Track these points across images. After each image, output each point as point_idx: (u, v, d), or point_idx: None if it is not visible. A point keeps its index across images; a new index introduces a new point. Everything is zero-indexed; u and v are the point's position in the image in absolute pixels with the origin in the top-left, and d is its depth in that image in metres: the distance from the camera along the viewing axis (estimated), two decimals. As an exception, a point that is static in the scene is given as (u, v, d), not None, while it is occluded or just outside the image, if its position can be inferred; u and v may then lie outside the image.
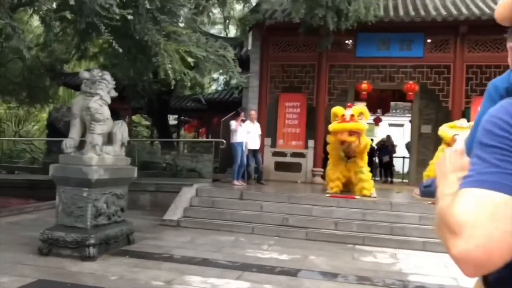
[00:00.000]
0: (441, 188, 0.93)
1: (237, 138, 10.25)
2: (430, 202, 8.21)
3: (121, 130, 6.49)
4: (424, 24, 11.56)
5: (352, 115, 8.94)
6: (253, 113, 11.05)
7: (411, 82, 12.26)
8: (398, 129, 29.66)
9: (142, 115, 24.57)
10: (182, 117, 24.83)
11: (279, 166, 12.90)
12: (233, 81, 9.92)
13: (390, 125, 28.89)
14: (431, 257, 6.80)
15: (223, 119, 15.32)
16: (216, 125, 17.90)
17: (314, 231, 7.73)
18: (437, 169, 1.01)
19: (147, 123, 25.42)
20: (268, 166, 12.68)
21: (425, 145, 14.90)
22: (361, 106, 9.40)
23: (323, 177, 12.62)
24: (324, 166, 13.26)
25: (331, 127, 9.01)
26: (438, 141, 15.09)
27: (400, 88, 14.17)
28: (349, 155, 9.44)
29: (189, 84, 10.72)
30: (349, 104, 9.36)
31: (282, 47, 12.89)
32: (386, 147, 16.20)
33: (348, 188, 9.80)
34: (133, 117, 22.10)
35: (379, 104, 18.49)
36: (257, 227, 7.94)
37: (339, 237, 7.59)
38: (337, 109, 9.18)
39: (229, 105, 17.46)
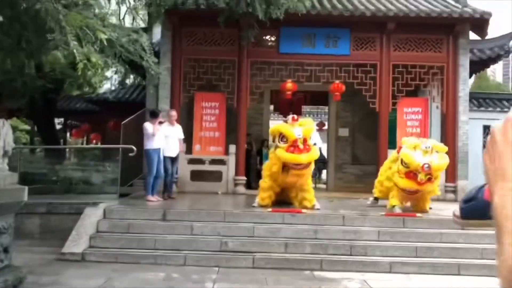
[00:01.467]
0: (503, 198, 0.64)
1: (154, 143, 8.45)
2: (383, 213, 7.30)
3: (2, 133, 4.48)
4: (351, 19, 10.78)
5: (305, 140, 7.63)
6: (174, 114, 9.31)
7: (337, 81, 11.43)
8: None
9: (20, 118, 21.07)
10: (69, 121, 21.81)
11: (196, 175, 11.25)
12: (152, 72, 8.06)
13: None
14: (407, 281, 5.76)
15: (124, 122, 13.21)
16: (113, 129, 15.60)
17: (262, 257, 6.30)
18: (488, 169, 0.70)
19: (27, 127, 21.94)
20: (183, 176, 10.97)
21: (343, 149, 14.32)
22: (309, 122, 8.10)
23: (247, 186, 11.31)
24: (248, 171, 11.98)
25: (280, 154, 7.47)
26: (356, 144, 14.69)
27: (316, 90, 13.41)
28: None
29: (91, 72, 8.66)
30: (293, 117, 7.92)
31: (198, 40, 11.29)
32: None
33: (282, 198, 8.53)
34: (9, 120, 18.71)
35: (290, 107, 17.69)
36: (190, 256, 6.29)
37: (292, 262, 6.26)
38: (284, 129, 7.63)
39: (128, 106, 15.29)
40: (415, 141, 7.77)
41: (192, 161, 11.19)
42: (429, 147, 7.44)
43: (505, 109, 14.50)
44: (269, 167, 8.11)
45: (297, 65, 11.39)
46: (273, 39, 11.37)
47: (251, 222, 7.02)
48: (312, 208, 7.80)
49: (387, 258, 6.37)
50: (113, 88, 20.86)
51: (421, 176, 7.20)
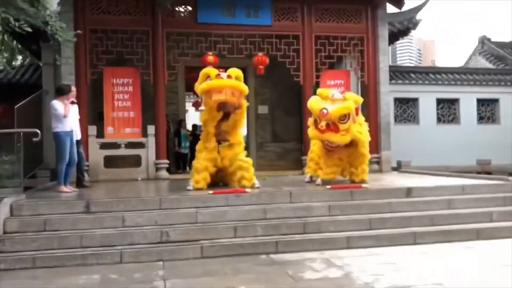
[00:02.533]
0: None
1: (65, 125, 7.20)
2: (329, 187, 6.93)
3: None
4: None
5: (229, 76, 7.06)
6: (74, 90, 7.94)
7: (260, 53, 10.84)
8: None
9: None
10: None
11: (111, 162, 10.07)
12: (60, 39, 6.75)
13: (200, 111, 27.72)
14: (369, 256, 5.41)
15: (17, 106, 11.43)
16: (2, 115, 13.55)
17: (211, 244, 5.55)
18: None
19: None
20: (95, 163, 9.74)
21: (263, 127, 13.89)
22: (236, 70, 7.47)
23: (169, 170, 10.38)
24: (169, 155, 11.01)
25: (205, 85, 7.02)
26: (276, 121, 14.30)
27: (231, 66, 12.73)
28: (222, 137, 7.49)
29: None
30: (221, 70, 7.37)
31: (104, 8, 9.96)
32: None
33: (219, 179, 7.84)
34: None
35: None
36: (126, 251, 5.34)
37: (245, 247, 5.60)
38: (209, 70, 7.42)
39: (19, 89, 13.36)
40: (323, 92, 7.45)
41: (105, 146, 9.97)
42: (334, 94, 7.17)
43: (413, 81, 15.12)
44: (203, 145, 7.34)
45: (218, 36, 10.60)
46: (190, 8, 10.42)
47: (192, 207, 6.20)
48: (253, 187, 7.20)
49: (342, 233, 5.98)
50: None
51: (321, 123, 6.93)
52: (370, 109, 11.07)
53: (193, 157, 14.81)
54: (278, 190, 6.86)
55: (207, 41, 10.51)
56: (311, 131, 7.28)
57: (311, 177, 8.41)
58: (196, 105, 19.32)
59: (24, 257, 5.12)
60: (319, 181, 7.83)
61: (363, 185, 7.09)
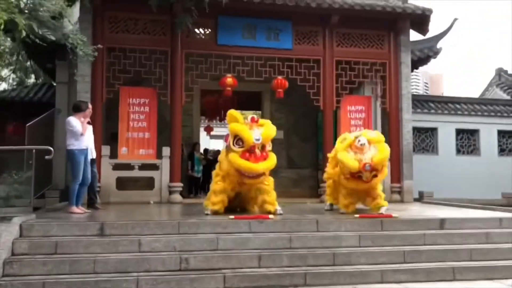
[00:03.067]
0: None
1: (81, 143, 6.89)
2: (357, 216, 6.51)
3: None
4: (293, 9, 9.99)
5: (263, 146, 6.70)
6: (91, 107, 7.63)
7: (280, 77, 10.59)
8: (219, 141, 28.28)
9: None
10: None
11: (123, 183, 9.72)
12: (81, 52, 6.51)
13: (212, 137, 27.25)
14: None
15: (29, 124, 11.21)
16: (13, 133, 13.30)
17: (233, 274, 5.13)
18: None
19: None
20: (107, 184, 9.39)
21: (278, 152, 13.40)
22: (267, 123, 7.04)
23: (181, 194, 10.00)
24: (184, 178, 10.66)
25: (233, 160, 6.55)
26: (291, 147, 13.95)
27: (247, 90, 12.52)
28: None
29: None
30: (253, 117, 6.92)
31: (123, 26, 9.81)
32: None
33: (238, 205, 7.44)
34: None
35: (217, 110, 16.59)
36: (143, 278, 4.92)
37: (271, 278, 5.16)
38: (240, 129, 6.61)
39: (32, 107, 13.16)
40: (347, 139, 7.10)
41: (118, 167, 9.64)
42: (364, 144, 6.80)
43: (432, 111, 14.78)
44: (224, 169, 6.96)
45: (237, 58, 10.38)
46: (210, 29, 10.24)
47: (212, 233, 5.80)
48: (275, 213, 6.79)
49: (374, 266, 5.54)
50: (10, 87, 18.15)
51: (366, 175, 6.70)
52: (391, 137, 10.69)
53: (205, 181, 14.68)
54: (303, 217, 6.44)
55: (226, 63, 10.29)
56: (350, 183, 6.97)
57: (331, 204, 8.01)
58: (208, 129, 19.11)
59: (33, 282, 4.72)
60: (327, 205, 7.79)
61: (394, 214, 6.65)
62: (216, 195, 6.85)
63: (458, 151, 15.10)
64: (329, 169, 7.96)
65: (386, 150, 6.82)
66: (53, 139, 11.30)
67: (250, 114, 10.31)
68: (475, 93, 24.99)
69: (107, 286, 4.79)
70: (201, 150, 14.51)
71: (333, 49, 10.69)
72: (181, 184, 9.99)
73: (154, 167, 9.81)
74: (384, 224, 6.31)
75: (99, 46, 7.66)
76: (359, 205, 7.47)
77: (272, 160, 6.78)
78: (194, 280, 5.00)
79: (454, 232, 6.31)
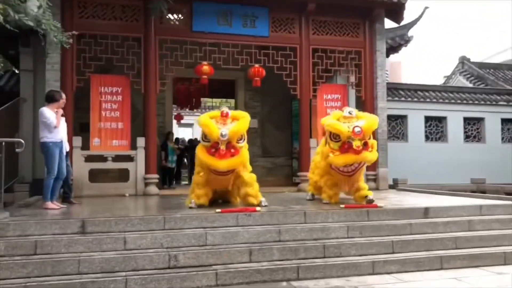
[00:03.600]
0: None
1: (55, 135, 6.53)
2: (343, 206, 6.49)
3: None
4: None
5: (229, 144, 6.41)
6: (64, 97, 7.21)
7: (256, 65, 10.42)
8: (188, 129, 27.89)
9: None
10: None
11: (96, 176, 9.36)
12: (55, 39, 6.13)
13: (180, 125, 26.81)
14: (397, 283, 4.97)
15: (-9, 114, 10.61)
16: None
17: (225, 270, 4.99)
18: None
19: None
20: (80, 177, 9.01)
21: (252, 141, 13.35)
22: (243, 118, 6.78)
23: (158, 185, 9.74)
24: (160, 169, 10.39)
25: (199, 154, 6.53)
26: (266, 136, 13.84)
27: (220, 78, 12.27)
28: None
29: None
30: (223, 111, 6.65)
31: (94, 11, 9.34)
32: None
33: (219, 196, 7.28)
34: None
35: (188, 99, 16.27)
36: (131, 278, 4.71)
37: (263, 273, 5.06)
38: (205, 124, 6.41)
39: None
40: (336, 113, 7.12)
41: (90, 158, 9.27)
42: (352, 112, 6.83)
43: (402, 98, 15.00)
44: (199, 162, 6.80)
45: (213, 46, 10.12)
46: (184, 15, 9.91)
47: (199, 228, 5.64)
48: (259, 205, 6.67)
49: (365, 257, 5.52)
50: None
51: (356, 143, 6.40)
52: (367, 125, 10.75)
53: (179, 171, 14.42)
54: (289, 209, 6.35)
55: (202, 51, 10.01)
56: (339, 158, 6.59)
57: (313, 195, 7.95)
58: (178, 118, 18.75)
59: (14, 286, 4.42)
60: (309, 195, 7.65)
61: (379, 204, 6.66)
62: (200, 187, 6.67)
63: (427, 138, 15.42)
64: (313, 164, 7.89)
65: (374, 118, 6.84)
66: (19, 129, 10.78)
67: (224, 105, 10.19)
68: (437, 82, 25.57)
69: (94, 287, 4.55)
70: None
71: (309, 37, 10.58)
72: (157, 176, 9.72)
73: (129, 158, 9.49)
74: (370, 214, 6.31)
75: (74, 32, 7.24)
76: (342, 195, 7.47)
77: (240, 158, 6.52)
78: (185, 278, 4.83)
79: (438, 220, 6.39)
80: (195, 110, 19.04)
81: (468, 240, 6.05)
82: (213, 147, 6.36)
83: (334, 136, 6.65)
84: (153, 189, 9.45)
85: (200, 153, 6.49)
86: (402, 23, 12.76)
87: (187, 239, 5.38)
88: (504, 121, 16.16)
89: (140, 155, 9.44)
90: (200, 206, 6.58)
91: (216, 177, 6.70)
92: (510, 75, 21.16)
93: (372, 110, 10.89)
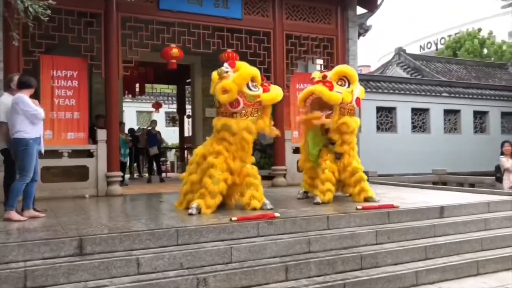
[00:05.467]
0: None
1: (38, 130, 5.38)
2: (360, 207, 5.98)
3: None
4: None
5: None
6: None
7: (229, 50, 9.52)
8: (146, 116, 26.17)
9: None
10: None
11: (50, 174, 7.96)
12: (31, 9, 4.82)
13: (139, 112, 25.00)
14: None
15: None
16: None
17: (265, 293, 4.22)
18: None
19: None
20: (28, 176, 7.57)
21: (211, 131, 12.42)
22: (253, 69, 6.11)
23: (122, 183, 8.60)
24: (123, 167, 9.17)
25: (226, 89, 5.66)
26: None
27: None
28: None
29: None
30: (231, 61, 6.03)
31: (44, -20, 7.84)
32: (153, 136, 12.83)
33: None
34: None
35: (132, 85, 14.88)
36: (160, 312, 3.77)
37: (307, 293, 4.35)
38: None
39: None
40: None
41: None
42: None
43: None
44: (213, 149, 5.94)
45: (182, 26, 9.04)
46: (150, -10, 8.73)
47: (218, 241, 4.77)
48: (263, 208, 5.94)
49: (402, 266, 5.03)
50: None
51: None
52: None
53: (139, 165, 13.30)
54: (313, 214, 5.64)
55: (170, 31, 8.90)
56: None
57: (305, 192, 7.35)
58: (156, 106, 17.24)
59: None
60: (318, 199, 6.75)
61: (395, 204, 6.21)
62: (213, 196, 5.73)
63: (378, 128, 15.51)
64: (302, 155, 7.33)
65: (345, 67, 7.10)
66: None
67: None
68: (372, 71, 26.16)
69: (118, 329, 3.56)
70: (126, 131, 12.96)
71: (282, 22, 9.87)
72: (121, 173, 8.56)
73: (88, 153, 8.21)
74: (390, 216, 5.84)
75: (51, 2, 5.84)
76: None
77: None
78: (223, 306, 3.99)
79: (456, 220, 6.08)
80: (138, 97, 17.58)
81: (492, 240, 5.80)
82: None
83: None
84: (117, 188, 8.26)
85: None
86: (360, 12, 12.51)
87: (210, 257, 4.50)
88: (446, 112, 16.76)
89: (101, 150, 8.19)
90: (200, 212, 5.68)
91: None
92: (440, 67, 22.12)
93: (344, 100, 10.51)
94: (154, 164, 13.10)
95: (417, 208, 6.20)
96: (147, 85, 16.28)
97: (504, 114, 17.81)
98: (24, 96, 5.33)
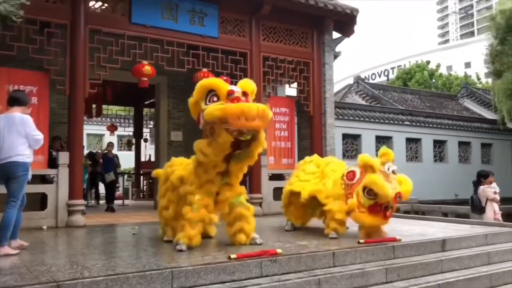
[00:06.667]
0: None
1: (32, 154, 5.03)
2: (362, 241, 5.51)
3: None
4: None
5: (245, 93, 4.99)
6: None
7: (205, 70, 8.95)
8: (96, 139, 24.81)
9: None
10: None
11: (2, 202, 6.93)
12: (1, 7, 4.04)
13: (89, 134, 23.54)
14: None
15: None
16: None
17: None
18: None
19: None
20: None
21: (176, 156, 11.65)
22: (250, 81, 5.40)
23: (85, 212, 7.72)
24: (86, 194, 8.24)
25: (215, 110, 4.69)
26: (190, 149, 12.18)
27: (131, 81, 10.53)
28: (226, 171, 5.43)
29: None
30: (224, 77, 5.41)
31: (4, -16, 6.99)
32: (110, 160, 11.90)
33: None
34: None
35: (89, 106, 13.86)
36: None
37: None
38: (214, 82, 4.99)
39: None
40: (373, 160, 5.92)
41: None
42: (395, 171, 5.90)
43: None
44: (197, 176, 5.23)
45: (155, 42, 8.41)
46: (122, 3, 8.07)
47: (218, 283, 4.10)
48: (252, 242, 5.33)
49: (419, 307, 4.56)
50: None
51: (391, 209, 5.78)
52: (314, 143, 10.05)
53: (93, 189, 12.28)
54: (318, 249, 5.08)
55: (142, 47, 8.23)
56: (366, 218, 5.68)
57: (293, 224, 6.82)
58: (111, 128, 16.13)
59: None
60: (289, 225, 6.73)
61: (397, 237, 5.77)
62: (193, 226, 5.03)
63: (344, 155, 15.33)
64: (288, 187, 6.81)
65: (411, 183, 6.01)
66: None
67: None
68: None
69: None
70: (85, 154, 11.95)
71: (260, 43, 9.49)
72: (84, 202, 7.67)
73: (47, 180, 7.28)
74: (395, 251, 5.39)
75: (25, 1, 5.04)
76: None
77: (267, 106, 5.01)
78: None
79: (460, 254, 5.73)
80: (94, 119, 16.50)
81: (500, 276, 5.48)
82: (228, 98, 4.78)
83: (368, 192, 5.62)
84: (79, 219, 7.35)
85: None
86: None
87: (214, 304, 3.83)
88: (408, 140, 16.90)
89: (62, 175, 7.28)
90: (190, 248, 4.98)
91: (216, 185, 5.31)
92: (396, 96, 22.58)
93: (320, 126, 10.21)
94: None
95: (420, 241, 5.80)
96: (103, 106, 15.30)
97: (460, 144, 18.24)
98: (29, 117, 4.92)
